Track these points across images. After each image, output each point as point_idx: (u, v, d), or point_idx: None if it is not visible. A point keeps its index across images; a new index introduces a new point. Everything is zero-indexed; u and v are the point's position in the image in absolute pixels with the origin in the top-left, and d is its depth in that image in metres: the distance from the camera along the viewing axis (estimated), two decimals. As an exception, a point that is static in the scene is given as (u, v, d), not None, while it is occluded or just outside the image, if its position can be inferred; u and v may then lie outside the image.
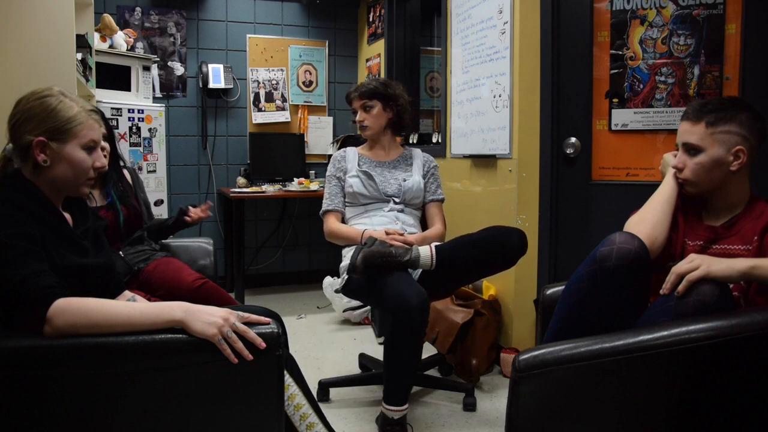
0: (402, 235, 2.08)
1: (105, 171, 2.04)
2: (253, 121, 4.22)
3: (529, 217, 2.57)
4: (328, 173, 2.34)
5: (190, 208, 2.32)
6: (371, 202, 2.27)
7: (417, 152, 2.40)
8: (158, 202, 3.52)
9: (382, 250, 1.92)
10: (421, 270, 2.05)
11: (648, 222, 1.50)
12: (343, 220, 2.31)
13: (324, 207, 2.30)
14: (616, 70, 2.41)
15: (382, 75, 4.00)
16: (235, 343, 1.18)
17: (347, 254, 2.18)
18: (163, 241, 2.34)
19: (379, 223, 2.20)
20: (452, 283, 2.24)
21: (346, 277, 2.05)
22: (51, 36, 2.11)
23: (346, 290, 2.11)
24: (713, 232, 1.50)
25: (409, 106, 2.36)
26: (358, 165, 2.31)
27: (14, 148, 1.30)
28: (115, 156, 2.13)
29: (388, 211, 2.25)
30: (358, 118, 2.32)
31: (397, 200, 2.26)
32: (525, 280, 2.59)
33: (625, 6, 2.37)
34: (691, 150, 1.48)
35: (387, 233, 2.06)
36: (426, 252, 1.96)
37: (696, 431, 1.23)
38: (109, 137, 2.07)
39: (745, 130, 1.44)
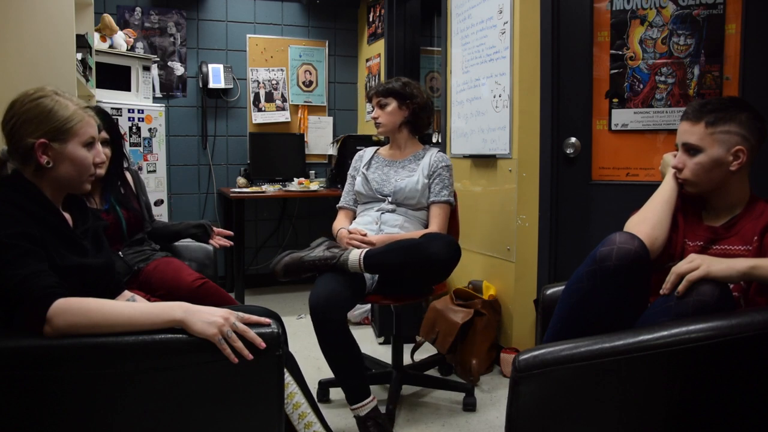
0: (364, 235, 2.11)
1: (104, 174, 2.04)
2: (253, 121, 4.22)
3: (529, 217, 2.57)
4: (348, 171, 2.47)
5: (215, 231, 2.31)
6: (368, 201, 2.32)
7: (430, 151, 2.35)
8: (158, 202, 3.52)
9: (307, 254, 2.02)
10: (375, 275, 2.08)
11: (648, 222, 1.50)
12: (355, 216, 2.39)
13: (338, 203, 2.43)
14: (616, 70, 2.41)
15: (382, 75, 4.00)
16: (234, 343, 1.18)
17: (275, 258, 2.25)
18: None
19: (363, 222, 2.26)
20: (405, 288, 2.15)
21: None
22: (51, 36, 2.11)
23: None
24: (713, 232, 1.50)
25: (429, 106, 2.37)
26: (368, 164, 2.38)
27: (12, 151, 1.30)
28: (119, 160, 2.11)
29: (376, 210, 2.26)
30: (372, 114, 2.36)
31: (390, 200, 2.27)
32: (525, 280, 2.59)
33: (625, 6, 2.37)
34: (691, 150, 1.48)
35: (349, 233, 2.12)
36: (354, 256, 1.98)
37: (696, 431, 1.23)
38: (114, 139, 2.06)
39: (744, 130, 1.43)
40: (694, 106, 1.50)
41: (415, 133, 2.40)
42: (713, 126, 1.44)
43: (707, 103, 1.48)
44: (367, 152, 2.44)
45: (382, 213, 2.25)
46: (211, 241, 2.31)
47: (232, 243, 2.38)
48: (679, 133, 1.52)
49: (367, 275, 2.07)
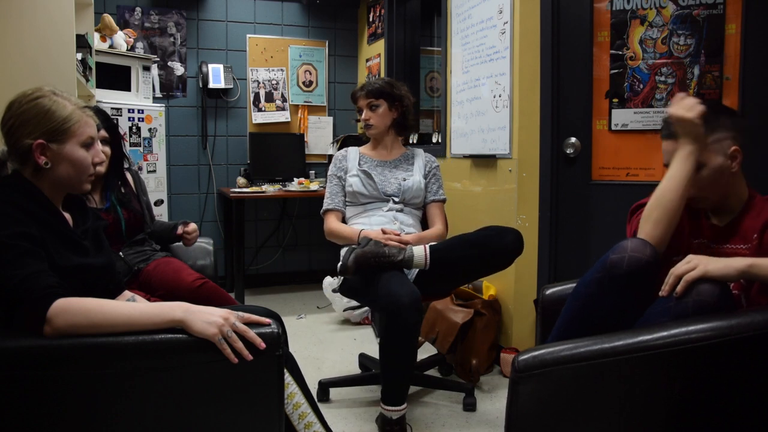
0: (398, 235, 2.08)
1: (104, 174, 2.04)
2: (253, 121, 4.22)
3: (529, 217, 2.57)
4: (329, 172, 2.36)
5: (182, 231, 2.25)
6: (370, 202, 2.27)
7: (419, 152, 2.40)
8: (158, 202, 3.52)
9: (375, 251, 1.94)
10: (417, 270, 2.05)
11: (659, 225, 1.43)
12: (344, 220, 2.31)
13: (324, 206, 2.31)
14: (616, 70, 2.41)
15: (382, 75, 4.00)
16: (235, 343, 1.18)
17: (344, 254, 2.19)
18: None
19: (377, 223, 2.21)
20: (449, 283, 2.23)
21: (342, 277, 2.06)
22: (51, 36, 2.11)
23: (343, 290, 2.13)
24: (717, 231, 1.50)
25: (413, 107, 2.37)
26: (359, 164, 2.32)
27: (11, 152, 1.29)
28: (119, 160, 2.11)
29: (387, 210, 2.25)
30: (363, 116, 2.32)
31: (396, 200, 2.26)
32: (525, 280, 2.59)
33: (625, 6, 2.37)
34: None
35: (383, 233, 2.07)
36: (420, 252, 1.96)
37: (696, 431, 1.23)
38: (114, 139, 2.06)
39: (731, 129, 1.44)
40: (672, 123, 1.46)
41: (399, 135, 2.40)
42: (705, 138, 1.43)
43: None
44: (352, 152, 2.37)
45: (395, 212, 2.25)
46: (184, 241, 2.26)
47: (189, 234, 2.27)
48: (670, 152, 1.48)
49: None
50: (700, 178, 1.45)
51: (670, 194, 1.43)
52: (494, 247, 1.98)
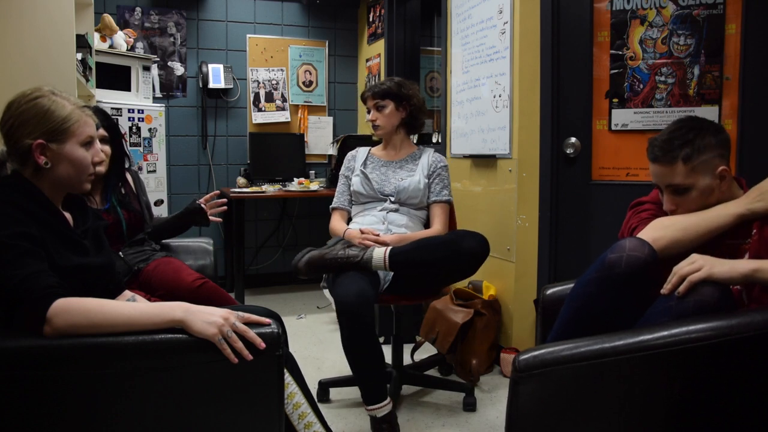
0: (377, 235, 2.09)
1: (105, 173, 2.04)
2: (253, 121, 4.22)
3: (529, 217, 2.57)
4: (340, 171, 2.42)
5: (206, 207, 2.21)
6: (369, 201, 2.30)
7: (427, 152, 2.38)
8: (158, 202, 3.52)
9: (329, 252, 1.99)
10: (391, 273, 2.06)
11: (675, 245, 1.41)
12: (350, 217, 2.35)
13: (332, 204, 2.38)
14: (616, 70, 2.41)
15: (382, 75, 4.00)
16: (235, 343, 1.18)
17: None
18: (163, 240, 2.34)
19: (368, 222, 2.24)
20: (424, 285, 2.15)
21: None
22: (51, 36, 2.11)
23: (329, 288, 2.15)
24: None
25: (423, 106, 2.37)
26: (364, 164, 2.36)
27: (11, 152, 1.29)
28: (120, 160, 2.11)
29: (380, 210, 2.25)
30: (370, 117, 2.34)
31: (392, 199, 2.27)
32: (525, 280, 2.59)
33: (625, 6, 2.37)
34: (679, 190, 1.46)
35: (362, 232, 2.09)
36: (379, 254, 1.97)
37: (696, 431, 1.23)
38: (114, 139, 2.06)
39: (717, 149, 1.43)
40: (658, 146, 1.46)
41: (410, 134, 2.40)
42: (690, 161, 1.42)
43: (671, 138, 1.45)
44: (361, 152, 2.42)
45: (387, 213, 2.25)
46: (211, 219, 2.24)
47: (225, 207, 2.26)
48: (657, 175, 1.49)
49: (380, 274, 2.06)
50: (690, 200, 1.45)
51: (704, 232, 1.42)
52: (455, 251, 1.97)
